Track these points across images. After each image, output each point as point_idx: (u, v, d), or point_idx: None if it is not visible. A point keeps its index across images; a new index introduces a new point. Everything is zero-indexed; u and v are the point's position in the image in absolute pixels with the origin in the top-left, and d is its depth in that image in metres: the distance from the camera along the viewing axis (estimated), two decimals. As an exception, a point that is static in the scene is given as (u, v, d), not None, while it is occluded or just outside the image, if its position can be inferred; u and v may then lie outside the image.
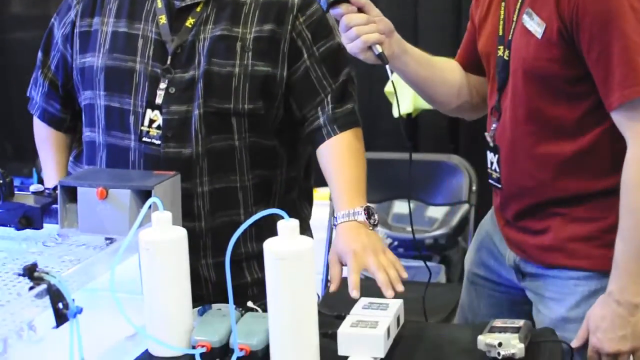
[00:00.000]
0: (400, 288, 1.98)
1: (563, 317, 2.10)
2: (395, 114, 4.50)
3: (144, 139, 2.19)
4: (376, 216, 2.11)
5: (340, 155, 2.21)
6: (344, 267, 2.07)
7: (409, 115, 4.63)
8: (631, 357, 2.02)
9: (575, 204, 2.06)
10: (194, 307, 2.01)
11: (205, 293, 2.25)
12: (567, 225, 2.08)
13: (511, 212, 2.17)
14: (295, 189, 2.37)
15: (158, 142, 2.17)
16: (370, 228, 2.08)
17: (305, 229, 2.41)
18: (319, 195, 2.94)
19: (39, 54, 2.42)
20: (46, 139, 2.46)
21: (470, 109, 2.35)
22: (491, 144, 2.16)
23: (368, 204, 2.11)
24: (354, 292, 1.96)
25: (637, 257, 1.95)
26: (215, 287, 2.18)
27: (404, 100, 4.54)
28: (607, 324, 1.98)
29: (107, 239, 1.96)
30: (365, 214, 2.08)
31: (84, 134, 2.31)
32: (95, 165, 2.28)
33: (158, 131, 2.18)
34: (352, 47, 2.05)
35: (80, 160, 2.38)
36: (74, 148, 2.46)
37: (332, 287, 2.05)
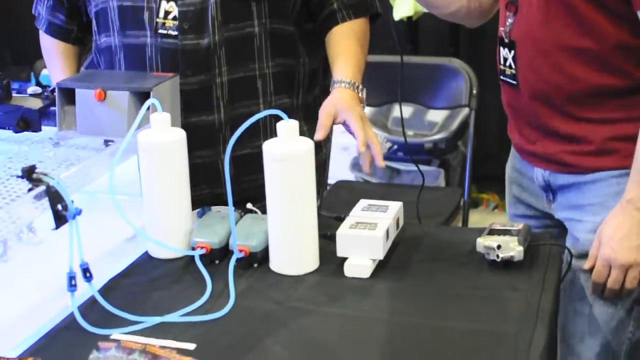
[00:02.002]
0: (382, 164, 1.95)
1: None
2: (396, 17, 4.47)
3: (159, 31, 2.16)
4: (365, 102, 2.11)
5: (348, 37, 2.20)
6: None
7: (409, 18, 4.59)
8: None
9: (605, 104, 2.01)
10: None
11: (224, 191, 2.25)
12: (601, 127, 2.02)
13: (538, 117, 2.10)
14: (317, 85, 2.35)
15: (175, 33, 2.15)
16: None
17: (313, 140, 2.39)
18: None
19: None
20: (52, 50, 2.44)
21: (466, 16, 2.30)
22: (506, 40, 2.12)
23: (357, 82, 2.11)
24: (363, 148, 1.93)
25: None
26: (233, 183, 2.17)
27: (405, 2, 4.50)
28: (623, 233, 1.93)
29: (105, 140, 1.95)
30: (363, 90, 2.08)
31: (98, 41, 2.29)
32: (115, 70, 2.26)
33: (174, 22, 2.16)
34: None
35: (94, 68, 2.36)
36: (85, 59, 2.45)
37: (318, 135, 1.97)
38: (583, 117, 2.04)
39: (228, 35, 2.16)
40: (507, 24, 2.11)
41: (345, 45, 2.20)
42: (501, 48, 2.14)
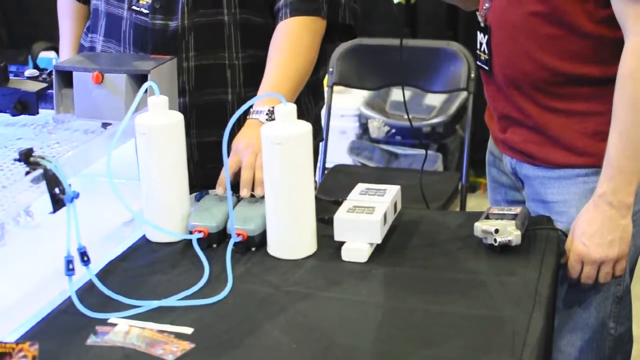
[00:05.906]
0: (259, 192, 1.92)
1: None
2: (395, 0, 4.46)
3: (133, 7, 2.19)
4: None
5: (278, 43, 2.15)
6: None
7: (407, 1, 4.58)
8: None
9: (573, 95, 2.00)
10: None
11: (191, 175, 2.24)
12: (570, 120, 2.01)
13: (507, 104, 2.10)
14: None
15: (146, 11, 2.16)
16: None
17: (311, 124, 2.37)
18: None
19: None
20: (66, 10, 2.49)
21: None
22: (482, 24, 2.11)
23: (273, 107, 1.98)
24: (219, 189, 1.93)
25: (634, 154, 1.87)
26: (198, 168, 2.15)
27: (403, -15, 4.50)
28: (595, 228, 1.91)
29: (103, 124, 1.95)
30: (267, 115, 1.99)
31: (92, 2, 2.33)
32: (96, 34, 2.29)
33: (147, 1, 2.16)
34: None
35: (89, 32, 2.38)
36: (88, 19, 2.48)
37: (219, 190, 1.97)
38: (550, 107, 2.02)
39: (198, 22, 2.16)
40: (484, 8, 2.10)
41: (271, 58, 2.14)
42: (477, 32, 2.13)
